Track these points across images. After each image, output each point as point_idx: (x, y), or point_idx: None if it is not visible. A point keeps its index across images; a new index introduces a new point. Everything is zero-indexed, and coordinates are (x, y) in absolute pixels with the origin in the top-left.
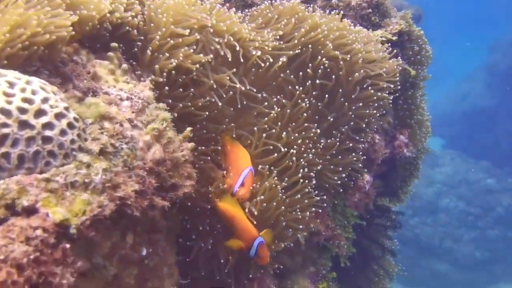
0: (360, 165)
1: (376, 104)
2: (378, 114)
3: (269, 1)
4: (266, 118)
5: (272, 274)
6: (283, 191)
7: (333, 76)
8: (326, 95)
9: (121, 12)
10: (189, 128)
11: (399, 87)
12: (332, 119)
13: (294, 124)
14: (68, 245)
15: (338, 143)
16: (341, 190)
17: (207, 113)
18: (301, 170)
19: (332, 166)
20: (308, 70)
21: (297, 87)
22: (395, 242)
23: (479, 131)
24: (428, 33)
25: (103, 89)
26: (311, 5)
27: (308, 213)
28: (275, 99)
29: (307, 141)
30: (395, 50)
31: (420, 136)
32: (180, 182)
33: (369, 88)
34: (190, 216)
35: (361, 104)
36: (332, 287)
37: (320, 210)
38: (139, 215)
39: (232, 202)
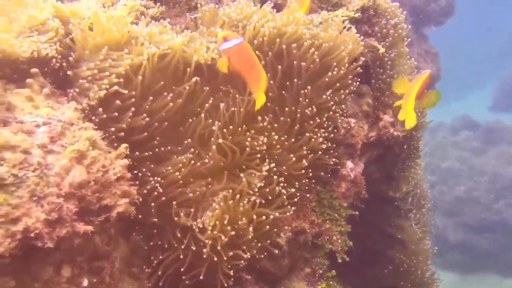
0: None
1: (334, 87)
2: (342, 97)
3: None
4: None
5: (254, 282)
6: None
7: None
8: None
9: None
10: (124, 145)
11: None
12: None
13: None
14: None
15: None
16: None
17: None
18: (264, 169)
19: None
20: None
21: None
22: (407, 230)
23: None
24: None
25: (17, 118)
26: None
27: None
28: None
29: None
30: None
31: None
32: (112, 202)
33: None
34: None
35: (315, 90)
36: (333, 286)
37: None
38: (53, 246)
39: None
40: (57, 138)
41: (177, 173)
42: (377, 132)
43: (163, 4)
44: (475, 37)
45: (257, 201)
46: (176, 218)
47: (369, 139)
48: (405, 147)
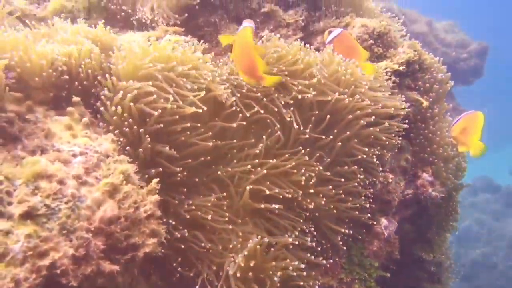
0: (369, 206)
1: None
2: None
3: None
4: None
5: None
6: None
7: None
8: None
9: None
10: (155, 180)
11: (407, 121)
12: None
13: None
14: None
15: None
16: (359, 237)
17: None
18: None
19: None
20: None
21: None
22: None
23: None
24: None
25: (54, 146)
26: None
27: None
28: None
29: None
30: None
31: (448, 174)
32: (140, 241)
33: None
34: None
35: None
36: None
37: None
38: (77, 285)
39: None
40: (92, 170)
41: (200, 213)
42: (414, 190)
43: (206, 41)
44: (503, 99)
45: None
46: (199, 266)
47: (405, 197)
48: (442, 208)
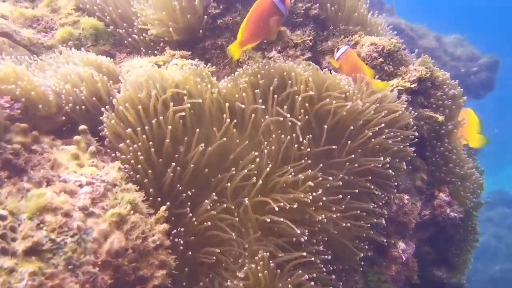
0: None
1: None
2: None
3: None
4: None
5: None
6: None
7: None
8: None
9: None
10: (163, 207)
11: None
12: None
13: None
14: None
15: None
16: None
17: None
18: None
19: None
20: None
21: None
22: None
23: None
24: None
25: (60, 177)
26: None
27: None
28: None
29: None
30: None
31: (466, 193)
32: (148, 273)
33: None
34: None
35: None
36: None
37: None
38: None
39: None
40: (98, 200)
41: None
42: (431, 211)
43: (213, 64)
44: None
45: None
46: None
47: (422, 218)
48: (461, 228)
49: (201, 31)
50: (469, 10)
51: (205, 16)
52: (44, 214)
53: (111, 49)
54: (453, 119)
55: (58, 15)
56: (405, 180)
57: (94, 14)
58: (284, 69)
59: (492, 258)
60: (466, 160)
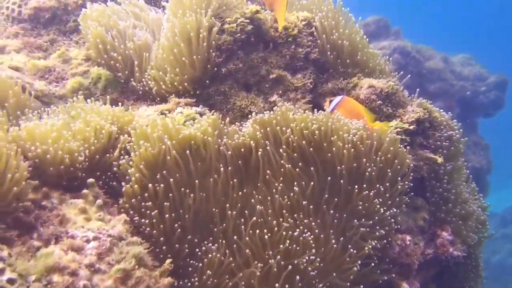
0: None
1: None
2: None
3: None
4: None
5: None
6: None
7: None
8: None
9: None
10: (168, 260)
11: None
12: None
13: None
14: None
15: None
16: None
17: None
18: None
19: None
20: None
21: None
22: None
23: None
24: None
25: (68, 233)
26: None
27: None
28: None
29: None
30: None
31: (468, 232)
32: None
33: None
34: None
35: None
36: None
37: None
38: None
39: None
40: (105, 255)
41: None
42: (434, 250)
43: (217, 110)
44: None
45: None
46: None
47: (425, 257)
48: (465, 266)
49: (207, 81)
50: (476, 29)
51: (208, 66)
52: (52, 274)
53: (119, 97)
54: (453, 160)
55: (69, 65)
56: (406, 220)
57: (103, 65)
58: None
59: (510, 276)
60: (467, 199)
